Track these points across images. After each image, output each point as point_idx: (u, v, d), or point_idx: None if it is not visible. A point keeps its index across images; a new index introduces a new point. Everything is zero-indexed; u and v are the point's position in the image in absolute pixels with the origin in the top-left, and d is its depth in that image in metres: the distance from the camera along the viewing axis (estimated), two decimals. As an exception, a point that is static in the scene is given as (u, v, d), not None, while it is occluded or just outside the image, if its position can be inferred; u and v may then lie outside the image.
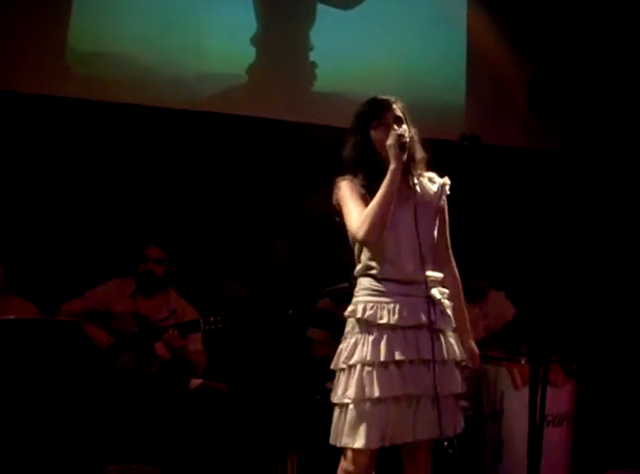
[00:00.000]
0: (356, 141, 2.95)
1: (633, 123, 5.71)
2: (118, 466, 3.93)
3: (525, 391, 3.49)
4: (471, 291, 4.74)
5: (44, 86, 4.83)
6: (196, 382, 4.23)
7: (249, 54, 5.34)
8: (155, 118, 5.06)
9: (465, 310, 3.07)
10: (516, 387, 4.05)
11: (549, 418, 3.89)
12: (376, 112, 2.93)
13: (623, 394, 4.81)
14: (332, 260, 3.09)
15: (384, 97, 2.97)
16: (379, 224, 2.82)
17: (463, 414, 2.99)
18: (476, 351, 3.05)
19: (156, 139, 5.10)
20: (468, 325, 3.06)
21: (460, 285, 3.07)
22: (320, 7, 5.50)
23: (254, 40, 5.33)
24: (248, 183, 5.33)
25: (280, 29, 5.45)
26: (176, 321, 4.28)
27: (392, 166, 2.83)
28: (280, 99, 5.34)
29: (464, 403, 4.09)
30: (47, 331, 3.70)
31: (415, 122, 2.99)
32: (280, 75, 5.38)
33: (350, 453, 2.83)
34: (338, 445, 2.84)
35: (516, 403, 3.97)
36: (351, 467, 2.84)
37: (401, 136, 2.83)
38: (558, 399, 4.00)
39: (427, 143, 3.01)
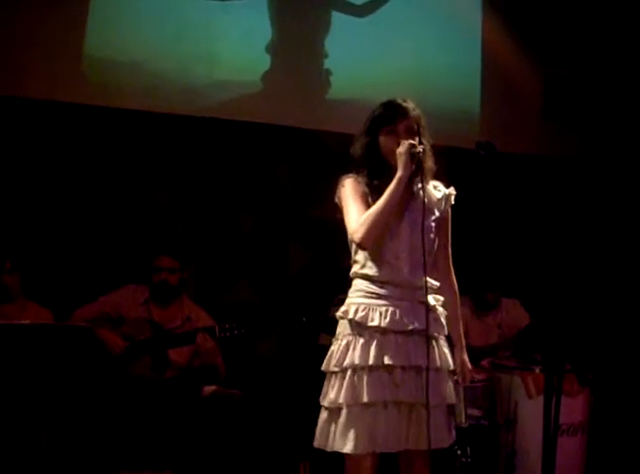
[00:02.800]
0: (365, 142, 2.94)
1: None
2: (130, 471, 3.94)
3: (539, 400, 3.47)
4: (485, 302, 4.74)
5: (60, 93, 4.85)
6: (209, 389, 4.23)
7: (263, 62, 5.34)
8: (169, 125, 5.07)
9: (461, 323, 3.04)
10: (530, 396, 4.04)
11: (563, 427, 3.87)
12: (390, 118, 2.91)
13: (638, 403, 4.78)
14: (345, 267, 3.09)
15: (403, 104, 2.93)
16: (377, 229, 2.82)
17: (455, 426, 2.95)
18: (468, 365, 3.01)
19: (170, 146, 5.11)
20: (463, 339, 3.02)
21: (458, 298, 3.05)
22: (335, 14, 5.50)
23: (268, 48, 5.34)
24: (262, 190, 5.34)
25: (294, 36, 5.45)
26: (190, 328, 4.28)
27: (399, 173, 2.82)
28: (294, 106, 5.35)
29: (477, 412, 4.09)
30: (61, 336, 3.71)
31: (430, 130, 2.98)
32: (294, 82, 5.38)
33: (350, 458, 2.83)
34: (327, 449, 2.83)
35: (529, 412, 3.95)
36: (352, 472, 2.85)
37: (413, 146, 2.82)
38: (573, 408, 3.98)
39: (442, 151, 3.01)
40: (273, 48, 5.35)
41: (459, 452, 3.74)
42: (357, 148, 2.97)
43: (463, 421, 3.97)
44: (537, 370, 4.04)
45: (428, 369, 2.81)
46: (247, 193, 5.29)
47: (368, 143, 2.93)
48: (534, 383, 4.02)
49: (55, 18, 4.85)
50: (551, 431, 3.14)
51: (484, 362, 4.53)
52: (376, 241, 2.84)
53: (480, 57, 5.79)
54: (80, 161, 4.91)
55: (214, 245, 5.23)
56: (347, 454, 2.81)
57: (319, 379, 2.97)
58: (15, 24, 4.77)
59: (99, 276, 4.75)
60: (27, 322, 3.81)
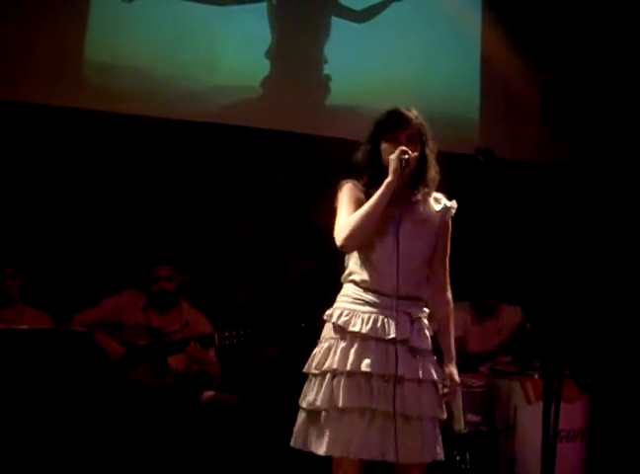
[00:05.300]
0: (367, 149, 2.95)
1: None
2: (129, 477, 3.94)
3: (539, 406, 3.47)
4: (484, 308, 4.75)
5: (59, 97, 4.85)
6: (208, 394, 4.23)
7: (263, 67, 5.35)
8: (169, 130, 5.08)
9: (452, 336, 3.00)
10: (529, 402, 4.04)
11: (563, 433, 3.87)
12: (392, 126, 2.90)
13: (637, 409, 4.78)
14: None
15: (406, 113, 2.92)
16: (359, 233, 2.81)
17: (441, 443, 2.90)
18: (457, 379, 2.95)
19: (169, 152, 5.12)
20: (453, 352, 2.97)
21: (452, 312, 3.02)
22: (334, 20, 5.51)
23: (268, 53, 5.35)
24: (261, 196, 5.34)
25: (294, 42, 5.46)
26: (189, 333, 4.28)
27: (388, 179, 2.81)
28: (293, 112, 5.35)
29: (476, 418, 4.08)
30: (60, 341, 3.71)
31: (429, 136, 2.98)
32: (293, 88, 5.39)
33: (337, 463, 2.84)
34: (304, 450, 2.84)
35: (529, 418, 3.96)
36: None
37: (404, 152, 2.82)
38: (572, 414, 3.98)
39: (441, 157, 3.01)
40: (272, 54, 5.36)
41: (458, 458, 3.75)
42: (359, 155, 2.98)
43: (462, 427, 3.99)
44: (536, 376, 4.04)
45: (396, 379, 2.79)
46: (246, 198, 5.30)
47: (370, 150, 2.93)
48: (533, 389, 4.02)
49: (55, 23, 4.85)
50: (550, 436, 3.14)
51: (483, 368, 4.53)
52: (358, 245, 2.85)
53: (479, 63, 5.80)
54: (79, 166, 4.91)
55: (213, 251, 5.22)
56: (333, 459, 2.82)
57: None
58: (14, 28, 4.77)
59: (98, 281, 4.75)
60: (25, 327, 3.82)
